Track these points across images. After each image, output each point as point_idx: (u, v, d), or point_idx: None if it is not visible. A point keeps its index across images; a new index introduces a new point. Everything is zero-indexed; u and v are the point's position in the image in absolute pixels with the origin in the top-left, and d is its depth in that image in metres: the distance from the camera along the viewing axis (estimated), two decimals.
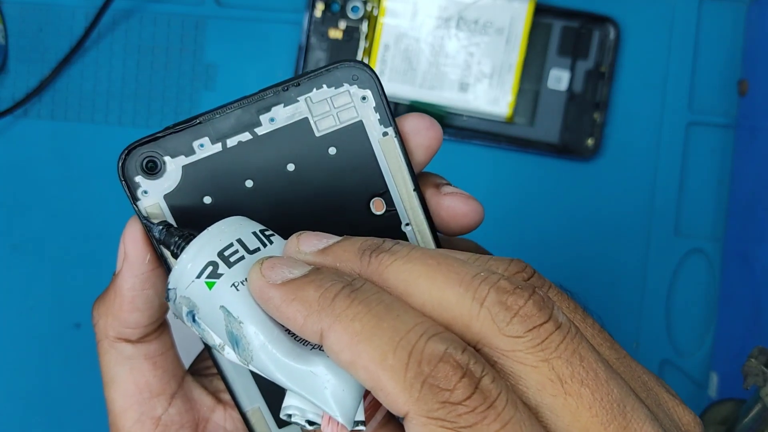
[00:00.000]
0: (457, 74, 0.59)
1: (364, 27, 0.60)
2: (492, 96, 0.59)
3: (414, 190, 0.29)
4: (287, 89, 0.28)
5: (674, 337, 0.62)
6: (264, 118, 0.28)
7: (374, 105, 0.29)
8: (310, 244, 0.25)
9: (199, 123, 0.28)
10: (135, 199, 0.28)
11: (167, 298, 0.26)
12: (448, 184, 0.30)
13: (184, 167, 0.28)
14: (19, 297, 0.62)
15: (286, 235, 0.28)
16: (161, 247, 0.29)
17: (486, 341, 0.22)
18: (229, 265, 0.25)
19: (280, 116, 0.28)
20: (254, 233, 0.26)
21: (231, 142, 0.28)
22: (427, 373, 0.20)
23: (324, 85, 0.28)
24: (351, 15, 0.60)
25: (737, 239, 0.60)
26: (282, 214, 0.29)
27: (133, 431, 0.30)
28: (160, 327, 0.31)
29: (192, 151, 0.28)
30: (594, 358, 0.22)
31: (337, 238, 0.25)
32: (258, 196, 0.29)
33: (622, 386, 0.22)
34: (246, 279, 0.24)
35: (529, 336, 0.21)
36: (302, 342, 0.24)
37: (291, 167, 0.29)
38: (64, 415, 0.62)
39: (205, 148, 0.28)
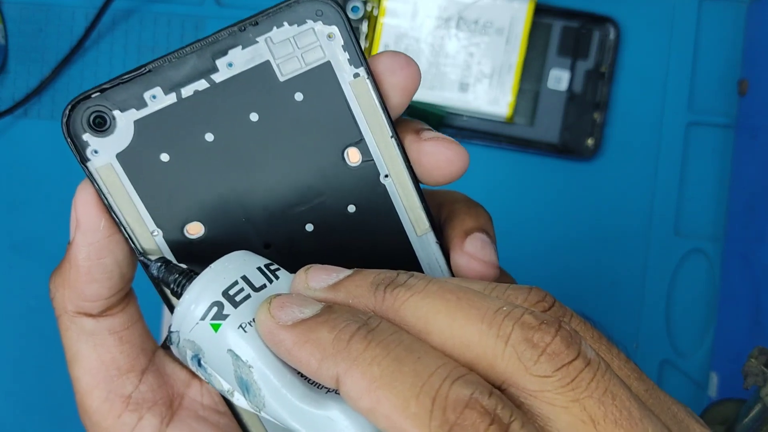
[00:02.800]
0: (457, 74, 0.59)
1: (364, 27, 0.60)
2: (492, 96, 0.59)
3: (392, 137, 0.26)
4: (244, 29, 0.25)
5: (674, 337, 0.62)
6: (221, 63, 0.25)
7: (342, 43, 0.26)
8: (319, 279, 0.24)
9: (149, 72, 0.25)
10: (84, 160, 0.26)
11: (170, 342, 0.24)
12: (429, 129, 0.27)
13: (137, 122, 0.25)
14: (19, 297, 0.62)
15: (256, 202, 0.26)
16: (160, 285, 0.27)
17: (512, 381, 0.21)
18: (235, 305, 0.23)
19: (238, 60, 0.25)
20: (259, 269, 0.24)
21: (186, 91, 0.25)
22: (453, 421, 0.19)
23: (285, 23, 0.25)
24: (351, 15, 0.60)
25: (737, 239, 0.60)
26: (247, 169, 0.26)
27: (101, 411, 0.28)
28: (124, 299, 0.28)
29: (144, 104, 0.25)
30: (626, 395, 0.21)
31: (347, 272, 0.24)
32: (220, 151, 0.26)
33: (656, 423, 0.21)
34: (254, 320, 0.23)
35: (558, 375, 0.20)
36: (316, 385, 0.23)
37: (254, 117, 0.26)
38: (64, 415, 0.62)
39: (157, 99, 0.25)
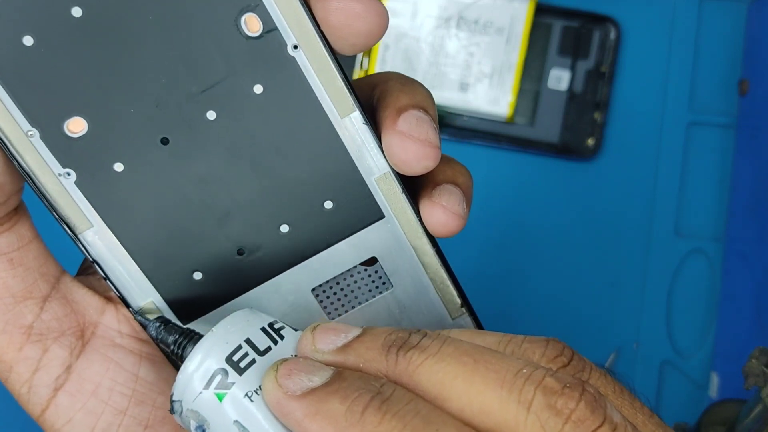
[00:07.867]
0: (457, 74, 0.59)
1: None
2: (492, 96, 0.59)
3: None
4: None
5: (674, 337, 0.62)
6: None
7: None
8: (327, 341, 0.22)
9: None
10: None
11: (172, 411, 0.23)
12: None
13: None
14: None
15: (144, 88, 0.23)
16: (160, 345, 0.25)
17: None
18: (240, 371, 0.22)
19: None
20: (263, 329, 0.23)
21: None
22: None
23: None
24: None
25: (737, 239, 0.60)
26: (127, 48, 0.22)
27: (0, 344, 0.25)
28: (10, 216, 0.25)
29: None
30: None
31: (356, 331, 0.22)
32: (92, 27, 0.22)
33: None
34: (260, 387, 0.22)
35: None
36: None
37: None
38: None
39: None
